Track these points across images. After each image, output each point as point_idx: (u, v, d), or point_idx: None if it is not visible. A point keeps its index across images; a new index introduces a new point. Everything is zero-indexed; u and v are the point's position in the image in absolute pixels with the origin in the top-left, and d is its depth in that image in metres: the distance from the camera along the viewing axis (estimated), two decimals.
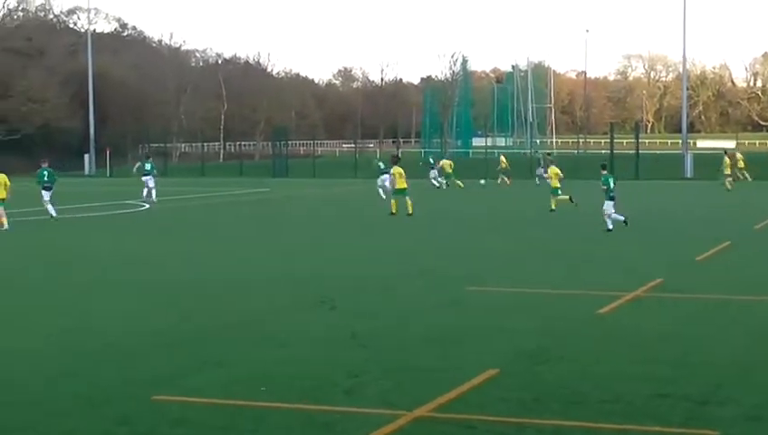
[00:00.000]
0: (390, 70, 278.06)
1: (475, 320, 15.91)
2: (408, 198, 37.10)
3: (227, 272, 22.05)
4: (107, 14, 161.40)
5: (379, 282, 20.18)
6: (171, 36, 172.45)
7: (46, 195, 35.14)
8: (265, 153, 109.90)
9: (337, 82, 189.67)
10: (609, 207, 30.25)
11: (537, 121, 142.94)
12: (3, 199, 32.43)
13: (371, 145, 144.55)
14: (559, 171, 39.98)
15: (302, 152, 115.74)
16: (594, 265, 22.89)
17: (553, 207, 38.50)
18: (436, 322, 15.76)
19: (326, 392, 11.33)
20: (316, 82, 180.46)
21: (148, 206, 43.50)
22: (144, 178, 47.42)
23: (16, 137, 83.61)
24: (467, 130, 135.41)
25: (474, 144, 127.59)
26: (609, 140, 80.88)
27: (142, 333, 14.92)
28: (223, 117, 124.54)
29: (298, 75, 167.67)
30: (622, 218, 30.32)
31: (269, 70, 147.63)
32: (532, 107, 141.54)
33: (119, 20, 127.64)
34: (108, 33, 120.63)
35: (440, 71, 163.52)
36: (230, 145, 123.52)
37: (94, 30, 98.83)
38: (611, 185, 30.44)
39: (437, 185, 56.61)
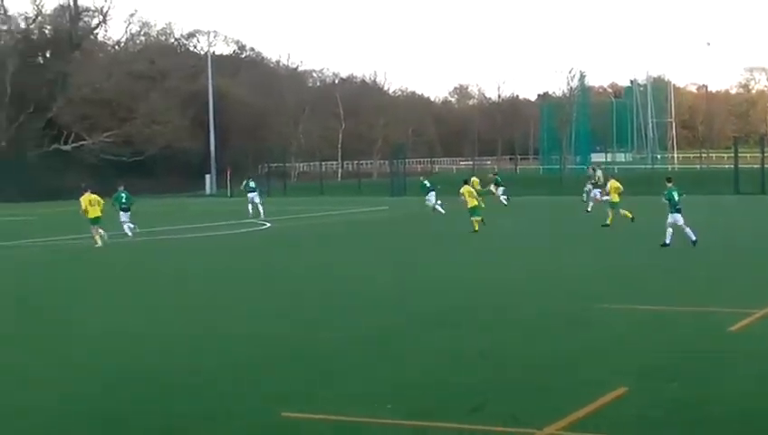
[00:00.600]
0: (507, 86, 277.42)
1: (602, 337, 15.70)
2: (477, 217, 37.20)
3: (350, 285, 22.13)
4: (226, 37, 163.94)
5: (505, 298, 20.05)
6: (289, 57, 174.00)
7: (124, 216, 36.93)
8: (383, 171, 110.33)
9: (453, 99, 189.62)
10: (676, 219, 29.68)
11: (657, 136, 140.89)
12: (98, 218, 34.06)
13: (489, 162, 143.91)
14: (619, 185, 39.35)
15: (419, 170, 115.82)
16: (719, 282, 22.42)
17: (608, 221, 37.97)
18: (563, 339, 15.58)
19: (453, 410, 11.26)
20: (432, 99, 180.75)
21: (268, 225, 43.94)
22: (249, 196, 50.34)
23: (140, 158, 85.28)
24: (586, 146, 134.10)
25: (592, 160, 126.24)
26: (732, 155, 79.31)
27: (266, 350, 15.02)
28: (340, 136, 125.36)
29: (414, 93, 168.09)
30: (694, 238, 29.56)
31: (385, 88, 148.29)
32: (651, 122, 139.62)
33: (237, 42, 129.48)
34: (227, 55, 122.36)
35: (557, 86, 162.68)
36: (348, 164, 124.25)
37: (214, 52, 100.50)
38: (675, 198, 29.85)
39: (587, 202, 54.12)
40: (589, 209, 47.05)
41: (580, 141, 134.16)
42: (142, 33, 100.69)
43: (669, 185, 30.34)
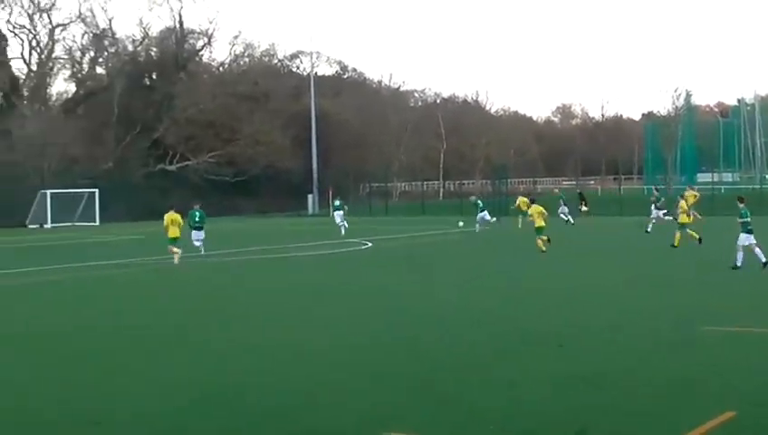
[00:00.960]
0: (610, 105, 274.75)
1: (710, 361, 15.39)
2: (543, 236, 37.26)
3: (457, 306, 22.05)
4: (328, 58, 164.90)
5: (607, 320, 19.80)
6: (391, 77, 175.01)
7: (196, 235, 38.20)
8: (484, 191, 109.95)
9: (556, 118, 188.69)
10: (745, 239, 29.19)
11: (766, 156, 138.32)
12: (176, 238, 35.23)
13: (592, 181, 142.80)
14: (685, 205, 38.99)
15: (521, 190, 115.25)
16: None
17: (676, 243, 37.45)
18: (669, 362, 15.31)
19: (556, 433, 11.12)
20: (535, 118, 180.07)
21: (369, 244, 44.03)
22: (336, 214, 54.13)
23: (243, 178, 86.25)
24: (691, 166, 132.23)
25: (699, 180, 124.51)
26: None
27: (367, 368, 15.01)
28: (442, 155, 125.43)
29: (516, 112, 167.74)
30: (764, 259, 29.08)
31: (487, 108, 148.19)
32: (760, 141, 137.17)
33: (340, 63, 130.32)
34: (330, 76, 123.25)
35: (662, 105, 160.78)
36: (449, 183, 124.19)
37: (316, 73, 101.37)
38: (748, 218, 29.43)
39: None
40: (648, 229, 47.34)
41: (686, 161, 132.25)
42: (246, 54, 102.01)
43: (742, 205, 29.83)
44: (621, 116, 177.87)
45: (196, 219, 38.37)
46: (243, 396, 13.27)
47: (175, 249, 35.00)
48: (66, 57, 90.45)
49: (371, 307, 22.76)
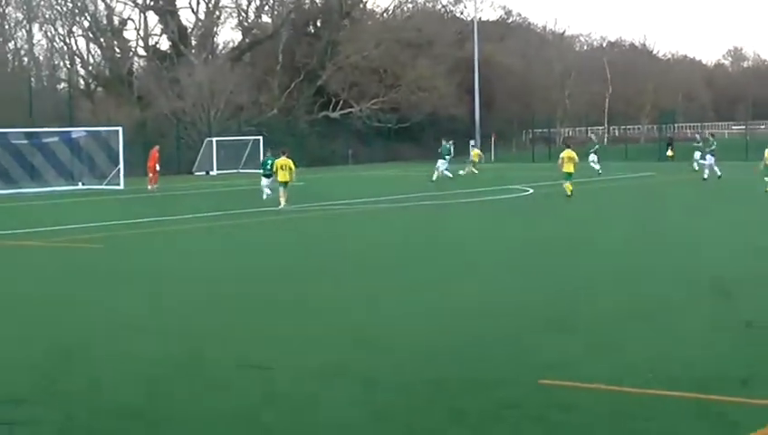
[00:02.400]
0: None
1: None
2: (568, 182, 38.90)
3: (616, 256, 21.77)
4: (492, 2, 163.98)
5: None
6: (556, 22, 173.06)
7: (265, 181, 39.71)
8: (650, 137, 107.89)
9: (727, 61, 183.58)
10: None
11: None
12: (286, 182, 36.78)
13: (763, 126, 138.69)
14: None
15: (689, 135, 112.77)
16: None
17: None
18: None
19: (720, 383, 10.86)
20: (704, 63, 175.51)
21: (531, 190, 43.70)
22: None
23: (406, 125, 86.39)
24: None
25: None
26: None
27: (533, 317, 14.93)
28: (607, 101, 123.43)
29: (685, 57, 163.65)
30: None
31: (654, 52, 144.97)
32: None
33: (504, 7, 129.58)
34: (493, 21, 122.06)
35: None
36: (614, 129, 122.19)
37: (480, 18, 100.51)
38: None
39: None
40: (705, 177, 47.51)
41: None
42: (409, 0, 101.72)
43: None
44: None
45: (268, 167, 39.18)
46: (420, 339, 13.34)
47: (282, 197, 36.49)
48: (233, 6, 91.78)
49: (541, 258, 22.61)
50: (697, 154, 55.77)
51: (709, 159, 49.46)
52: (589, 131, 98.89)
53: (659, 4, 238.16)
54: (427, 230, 29.07)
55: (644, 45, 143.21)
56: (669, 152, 67.50)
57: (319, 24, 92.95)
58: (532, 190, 43.93)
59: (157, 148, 54.82)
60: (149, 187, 51.63)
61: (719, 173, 49.03)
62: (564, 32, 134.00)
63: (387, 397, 10.63)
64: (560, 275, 19.26)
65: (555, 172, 53.07)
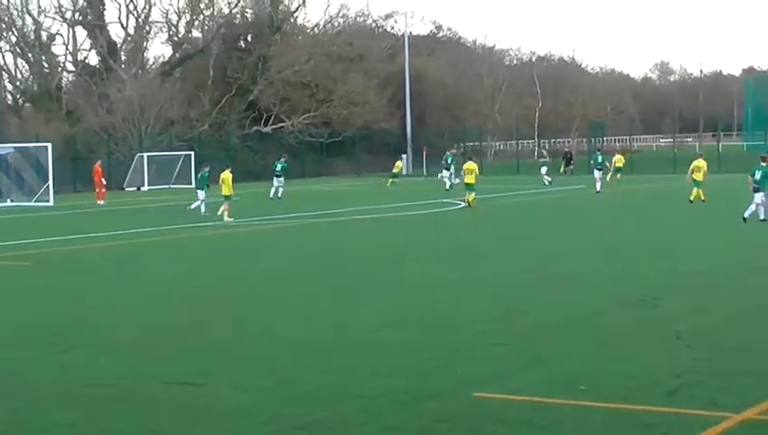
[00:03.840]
0: (709, 61, 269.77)
1: None
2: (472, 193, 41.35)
3: (546, 268, 21.94)
4: (423, 17, 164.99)
5: (704, 278, 19.55)
6: (486, 36, 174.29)
7: (202, 195, 40.79)
8: (581, 150, 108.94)
9: (653, 75, 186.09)
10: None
11: None
12: (228, 196, 38.05)
13: (690, 139, 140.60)
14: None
15: (618, 148, 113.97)
16: None
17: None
18: (766, 321, 15.10)
19: (649, 393, 11.04)
20: (632, 76, 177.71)
21: (463, 204, 43.94)
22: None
23: (338, 139, 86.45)
24: None
25: None
26: None
27: (465, 330, 15.03)
28: (537, 114, 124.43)
29: (613, 70, 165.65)
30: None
31: (583, 66, 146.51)
32: None
33: (434, 22, 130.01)
34: (424, 36, 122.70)
35: (764, 60, 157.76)
36: (544, 142, 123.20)
37: (411, 33, 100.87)
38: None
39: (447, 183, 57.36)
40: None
41: None
42: (340, 15, 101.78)
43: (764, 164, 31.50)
44: (721, 72, 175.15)
45: (206, 181, 41.03)
46: (358, 352, 13.38)
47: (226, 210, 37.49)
48: (162, 21, 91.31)
49: (468, 270, 22.74)
50: (544, 169, 59.62)
51: (597, 174, 51.78)
52: (540, 146, 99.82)
53: (587, 19, 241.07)
54: (361, 244, 29.09)
55: (573, 59, 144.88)
56: (562, 168, 69.33)
57: (250, 38, 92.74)
58: (464, 204, 44.13)
59: (99, 162, 54.74)
60: (99, 201, 51.43)
61: (602, 187, 51.34)
62: (494, 46, 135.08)
63: (320, 413, 10.65)
64: (493, 287, 19.40)
65: (486, 185, 53.56)
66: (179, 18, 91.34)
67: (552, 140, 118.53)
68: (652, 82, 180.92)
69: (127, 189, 68.00)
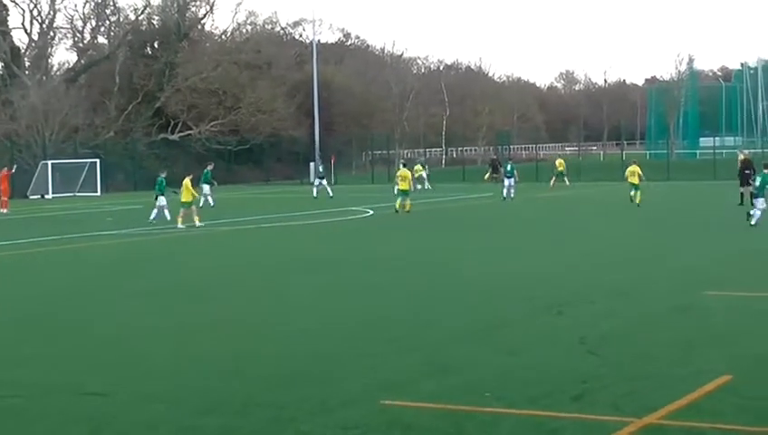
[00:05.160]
0: (613, 71, 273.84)
1: (710, 325, 15.49)
2: (406, 199, 42.72)
3: (454, 277, 22.10)
4: (331, 25, 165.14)
5: (611, 286, 19.87)
6: (394, 44, 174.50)
7: (162, 201, 40.29)
8: (487, 158, 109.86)
9: (559, 84, 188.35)
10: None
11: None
12: (188, 202, 37.94)
13: (594, 148, 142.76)
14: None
15: (524, 156, 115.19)
16: None
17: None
18: (670, 327, 15.41)
19: (554, 399, 11.21)
20: (538, 85, 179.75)
21: (371, 212, 44.06)
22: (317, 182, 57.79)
23: (246, 147, 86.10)
24: (694, 131, 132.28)
25: (701, 144, 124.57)
26: None
27: (374, 337, 15.11)
28: (445, 122, 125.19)
29: (519, 79, 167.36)
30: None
31: (490, 74, 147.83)
32: (762, 105, 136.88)
33: (342, 30, 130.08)
34: (332, 44, 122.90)
35: (665, 71, 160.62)
36: (452, 150, 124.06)
37: (319, 41, 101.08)
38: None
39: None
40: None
41: (689, 126, 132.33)
42: (248, 22, 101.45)
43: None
44: (624, 81, 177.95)
45: (163, 187, 40.63)
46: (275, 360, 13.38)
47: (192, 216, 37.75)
48: (67, 27, 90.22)
49: (376, 276, 22.82)
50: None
51: (507, 182, 52.88)
52: (427, 153, 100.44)
53: (494, 28, 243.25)
54: (262, 253, 29.01)
55: (479, 68, 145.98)
56: (488, 175, 70.28)
57: (157, 45, 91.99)
58: (372, 212, 44.26)
59: (5, 169, 53.84)
60: (2, 210, 50.53)
61: (508, 195, 52.10)
62: (402, 54, 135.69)
63: (226, 421, 10.65)
64: (401, 294, 19.50)
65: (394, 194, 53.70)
66: (85, 24, 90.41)
67: (460, 148, 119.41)
68: (557, 91, 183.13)
69: (31, 197, 67.00)
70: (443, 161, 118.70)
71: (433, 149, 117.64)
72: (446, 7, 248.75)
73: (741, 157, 44.82)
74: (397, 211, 41.95)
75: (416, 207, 44.48)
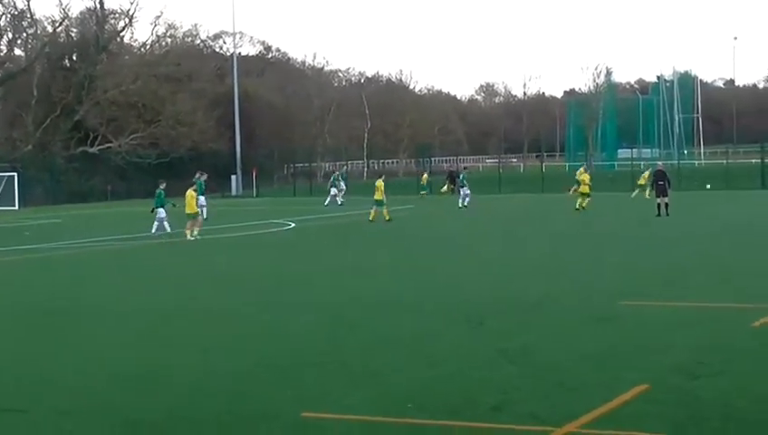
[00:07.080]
0: (533, 83, 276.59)
1: (627, 335, 15.66)
2: (381, 208, 44.09)
3: (375, 289, 22.12)
4: (251, 38, 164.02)
5: (529, 297, 20.01)
6: (314, 57, 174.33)
7: (162, 213, 40.25)
8: (409, 170, 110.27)
9: (479, 97, 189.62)
10: None
11: (684, 132, 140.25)
12: (190, 214, 37.68)
13: (515, 160, 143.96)
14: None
15: (445, 168, 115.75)
16: (743, 277, 22.32)
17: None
18: (587, 337, 15.56)
19: (474, 410, 11.26)
20: (458, 97, 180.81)
21: (293, 225, 44.00)
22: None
23: (166, 160, 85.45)
24: (612, 143, 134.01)
25: (619, 156, 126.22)
26: (759, 150, 79.03)
27: (293, 351, 15.07)
28: (366, 135, 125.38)
29: (440, 91, 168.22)
30: None
31: (411, 87, 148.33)
32: (678, 117, 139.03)
33: (263, 43, 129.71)
34: (253, 56, 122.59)
35: (584, 83, 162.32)
36: (373, 163, 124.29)
37: (239, 53, 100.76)
38: None
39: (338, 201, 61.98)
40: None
41: (607, 138, 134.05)
42: (168, 35, 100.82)
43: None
44: (544, 94, 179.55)
45: (163, 198, 40.40)
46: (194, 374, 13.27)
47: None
48: None
49: (298, 295, 22.78)
50: (333, 190, 62.72)
51: (462, 192, 55.23)
52: (349, 165, 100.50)
53: (414, 41, 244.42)
54: (185, 267, 28.83)
55: (400, 80, 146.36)
56: (446, 187, 70.81)
57: (75, 57, 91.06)
58: (294, 224, 44.19)
59: None
60: None
61: (463, 203, 54.44)
62: (323, 67, 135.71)
63: None
64: (319, 305, 19.47)
65: (318, 206, 53.69)
66: (1, 37, 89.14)
67: (382, 161, 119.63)
68: (478, 104, 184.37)
69: None
70: (365, 174, 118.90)
71: (355, 162, 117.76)
72: (366, 20, 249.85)
73: (658, 168, 45.78)
74: (371, 221, 43.66)
75: (331, 220, 44.43)
